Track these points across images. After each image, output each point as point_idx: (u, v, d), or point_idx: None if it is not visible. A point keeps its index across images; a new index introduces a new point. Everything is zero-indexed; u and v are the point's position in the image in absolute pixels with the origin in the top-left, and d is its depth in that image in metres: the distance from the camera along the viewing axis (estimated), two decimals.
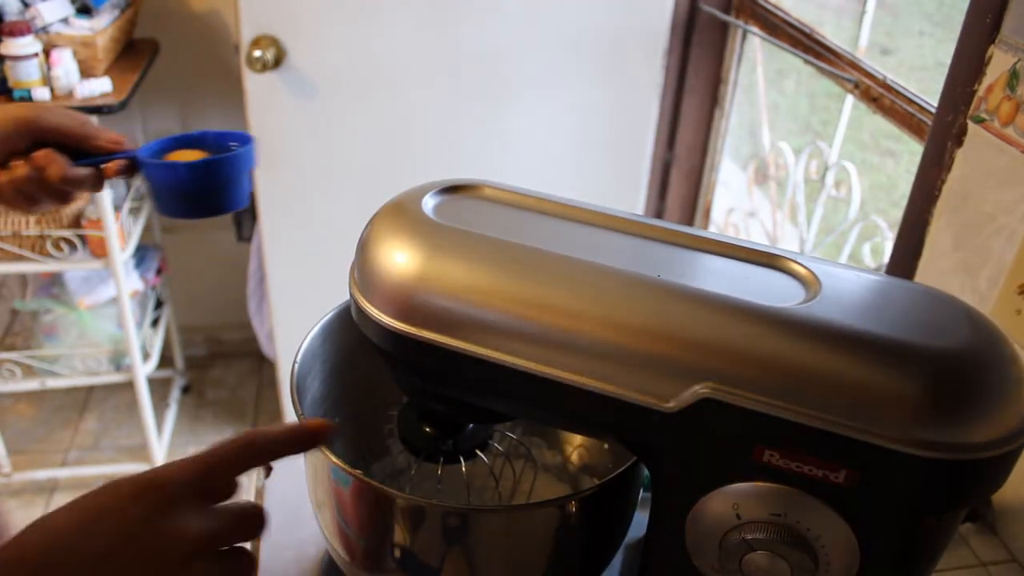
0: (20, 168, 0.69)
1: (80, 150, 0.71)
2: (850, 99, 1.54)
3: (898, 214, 1.13)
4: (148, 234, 2.22)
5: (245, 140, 0.75)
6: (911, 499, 0.47)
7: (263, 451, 0.49)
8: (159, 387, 2.37)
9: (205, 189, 0.71)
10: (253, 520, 0.48)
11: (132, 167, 0.73)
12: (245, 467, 0.48)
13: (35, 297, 2.01)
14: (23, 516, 1.62)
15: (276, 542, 0.81)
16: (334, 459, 0.60)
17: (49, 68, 1.73)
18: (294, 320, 1.96)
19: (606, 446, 0.80)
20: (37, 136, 0.69)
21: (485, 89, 1.79)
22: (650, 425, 0.50)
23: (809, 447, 0.47)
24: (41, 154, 0.68)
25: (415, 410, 0.67)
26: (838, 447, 0.46)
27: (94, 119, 0.76)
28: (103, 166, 0.72)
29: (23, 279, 2.11)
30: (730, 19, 1.79)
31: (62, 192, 0.71)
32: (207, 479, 0.46)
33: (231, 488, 0.48)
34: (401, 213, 0.58)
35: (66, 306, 1.97)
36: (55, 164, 0.68)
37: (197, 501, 0.46)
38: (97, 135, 0.71)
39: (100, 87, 1.77)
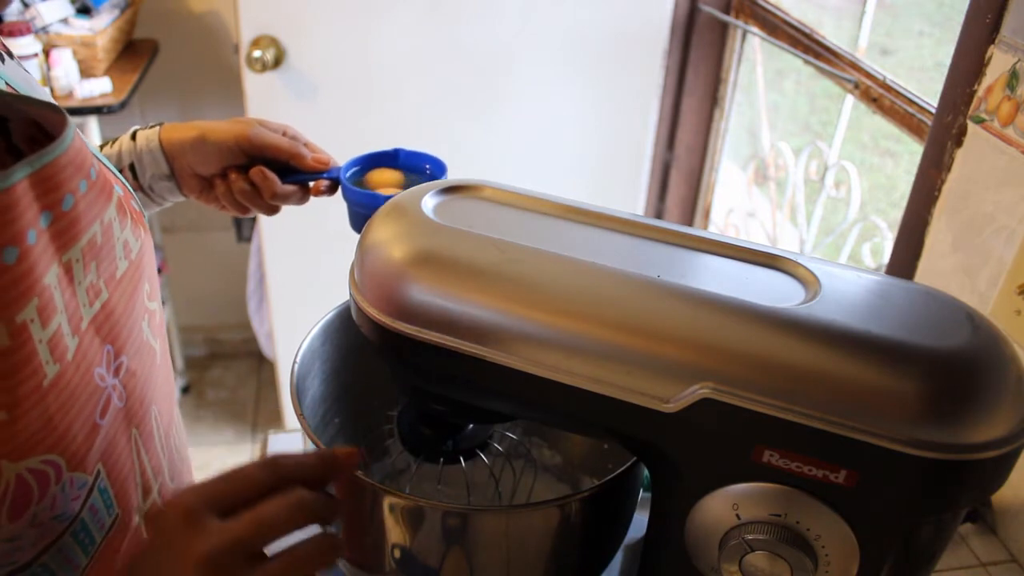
0: (237, 181, 0.76)
1: (289, 167, 0.77)
2: (850, 99, 1.54)
3: (898, 214, 1.13)
4: None
5: (438, 166, 0.78)
6: (911, 499, 0.47)
7: (287, 472, 0.50)
8: None
9: None
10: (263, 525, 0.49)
11: (335, 186, 0.78)
12: (263, 485, 0.49)
13: None
14: None
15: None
16: None
17: (49, 68, 1.73)
18: (294, 320, 1.96)
19: (606, 446, 0.80)
20: (253, 152, 0.76)
21: (485, 89, 1.79)
22: (650, 425, 0.50)
23: (809, 447, 0.47)
24: (256, 172, 0.75)
25: (415, 410, 0.67)
26: (838, 447, 0.46)
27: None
28: (309, 184, 0.78)
29: None
30: (730, 19, 1.79)
31: (271, 205, 0.79)
32: (222, 494, 0.48)
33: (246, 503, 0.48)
34: (401, 213, 0.58)
35: None
36: (267, 183, 0.76)
37: (210, 515, 0.47)
38: (305, 155, 0.77)
39: (100, 87, 1.77)
